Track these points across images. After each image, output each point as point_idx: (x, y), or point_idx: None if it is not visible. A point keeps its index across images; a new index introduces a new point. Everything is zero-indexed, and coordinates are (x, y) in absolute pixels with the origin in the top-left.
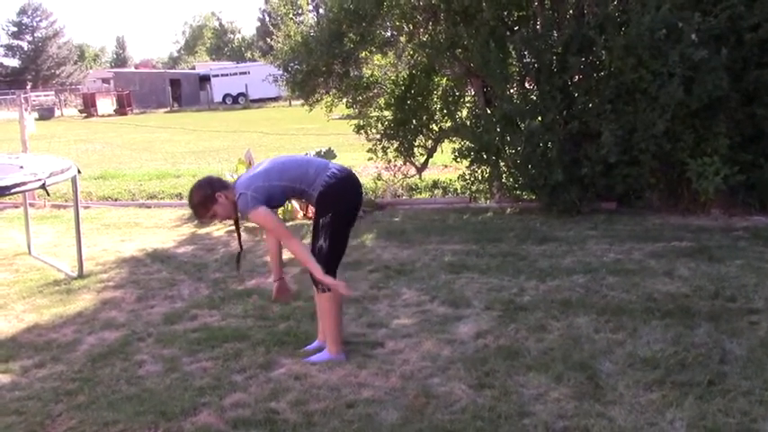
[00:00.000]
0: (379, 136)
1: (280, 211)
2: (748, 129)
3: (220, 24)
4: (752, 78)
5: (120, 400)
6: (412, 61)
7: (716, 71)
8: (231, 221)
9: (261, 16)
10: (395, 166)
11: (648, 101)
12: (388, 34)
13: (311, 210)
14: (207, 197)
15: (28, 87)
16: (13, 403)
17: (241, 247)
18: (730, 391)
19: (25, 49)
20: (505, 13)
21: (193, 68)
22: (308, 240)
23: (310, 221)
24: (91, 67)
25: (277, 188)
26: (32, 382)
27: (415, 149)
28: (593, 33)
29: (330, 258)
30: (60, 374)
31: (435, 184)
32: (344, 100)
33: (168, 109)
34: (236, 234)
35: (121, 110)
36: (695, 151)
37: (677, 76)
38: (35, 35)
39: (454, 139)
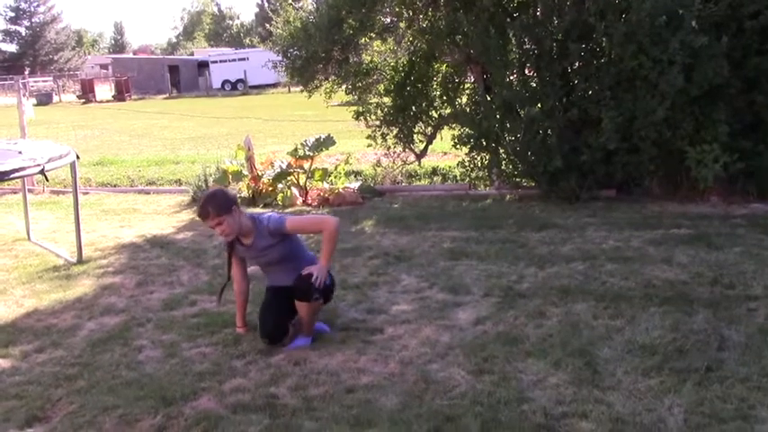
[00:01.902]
0: (378, 122)
1: (279, 197)
2: (748, 116)
3: (219, 10)
4: (752, 66)
5: (120, 386)
6: (412, 47)
7: (716, 58)
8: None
9: (260, 2)
10: (394, 152)
11: (648, 88)
12: (388, 20)
13: (310, 196)
14: (226, 204)
15: (26, 73)
16: (13, 388)
17: (229, 277)
18: (728, 377)
19: (23, 34)
20: (505, 0)
21: (192, 55)
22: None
23: (309, 208)
24: (89, 53)
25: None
26: (32, 366)
27: (415, 136)
28: (594, 20)
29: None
30: (60, 359)
31: (435, 171)
32: (344, 86)
33: (167, 95)
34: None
35: (120, 96)
36: (695, 139)
37: (677, 64)
38: (33, 20)
39: (454, 125)
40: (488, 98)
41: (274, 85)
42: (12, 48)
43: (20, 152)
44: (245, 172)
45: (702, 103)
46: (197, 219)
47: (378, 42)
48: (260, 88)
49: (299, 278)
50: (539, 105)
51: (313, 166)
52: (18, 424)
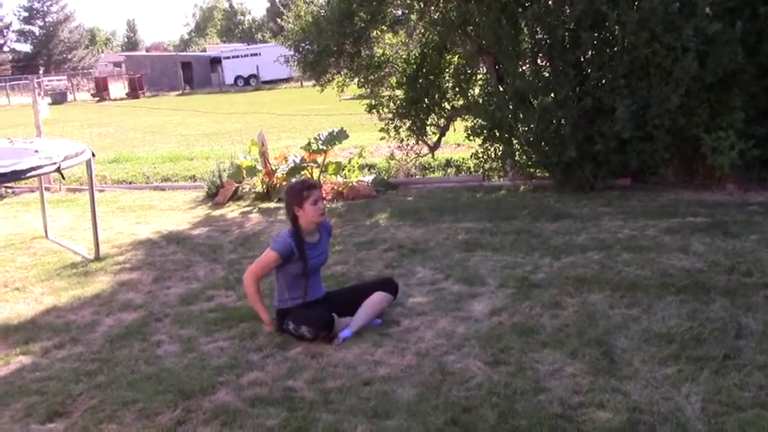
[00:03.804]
0: (391, 115)
1: None
2: (763, 102)
3: (230, 6)
4: (766, 51)
5: (139, 380)
6: (423, 39)
7: (730, 44)
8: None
9: None
10: (407, 145)
11: (662, 75)
12: (399, 12)
13: (324, 190)
14: None
15: (40, 72)
16: (34, 384)
17: (305, 272)
18: (746, 365)
19: (37, 33)
20: None
21: (204, 51)
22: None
23: (323, 202)
24: (102, 51)
25: None
26: (53, 362)
27: (428, 128)
28: (606, 8)
29: None
30: (80, 355)
31: (448, 163)
32: (356, 80)
33: (180, 92)
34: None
35: (133, 93)
36: (710, 126)
37: (691, 50)
38: (46, 20)
39: (466, 117)
40: (501, 89)
41: (287, 80)
42: (26, 47)
43: (36, 151)
44: (259, 167)
45: (717, 89)
46: (213, 214)
47: (389, 35)
48: (272, 83)
49: (387, 277)
50: (552, 95)
51: (326, 160)
52: (39, 419)
